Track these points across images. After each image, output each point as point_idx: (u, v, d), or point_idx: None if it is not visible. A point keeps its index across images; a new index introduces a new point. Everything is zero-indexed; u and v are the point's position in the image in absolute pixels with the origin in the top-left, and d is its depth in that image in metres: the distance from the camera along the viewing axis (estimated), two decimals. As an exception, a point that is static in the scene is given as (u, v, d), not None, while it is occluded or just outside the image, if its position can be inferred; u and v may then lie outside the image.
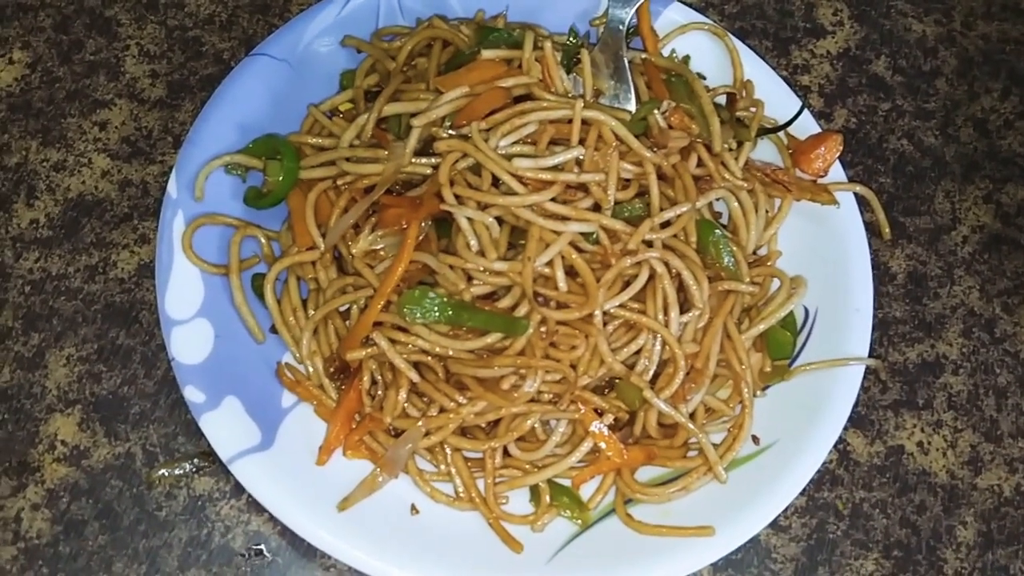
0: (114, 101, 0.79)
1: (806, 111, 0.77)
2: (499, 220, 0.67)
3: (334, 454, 0.67)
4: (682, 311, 0.68)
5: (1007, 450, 0.75)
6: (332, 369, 0.69)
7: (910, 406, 0.76)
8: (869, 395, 0.76)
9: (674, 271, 0.68)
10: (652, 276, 0.67)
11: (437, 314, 0.65)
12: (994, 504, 0.74)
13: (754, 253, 0.75)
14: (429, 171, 0.68)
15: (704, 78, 0.79)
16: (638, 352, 0.67)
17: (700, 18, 0.80)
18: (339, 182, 0.70)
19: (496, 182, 0.67)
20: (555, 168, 0.67)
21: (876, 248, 0.80)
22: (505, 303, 0.66)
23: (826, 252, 0.74)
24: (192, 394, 0.65)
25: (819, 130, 0.77)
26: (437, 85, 0.70)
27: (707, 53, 0.80)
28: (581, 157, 0.68)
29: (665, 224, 0.69)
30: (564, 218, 0.66)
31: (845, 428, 0.75)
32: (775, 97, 0.78)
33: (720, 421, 0.70)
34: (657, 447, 0.68)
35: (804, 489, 0.72)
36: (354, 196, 0.69)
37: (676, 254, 0.68)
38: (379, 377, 0.67)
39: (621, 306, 0.67)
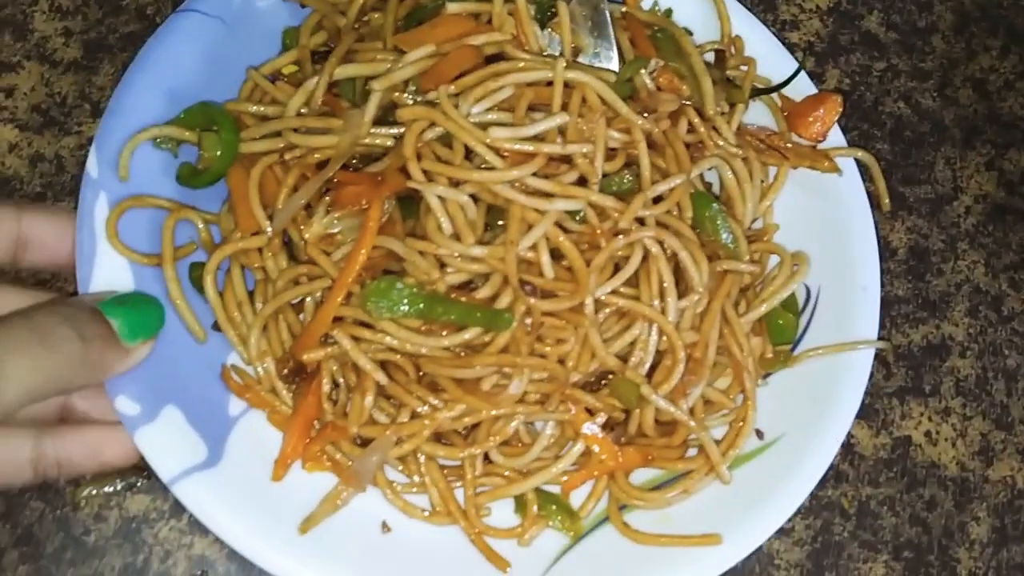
0: (22, 64, 0.69)
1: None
2: (474, 198, 0.59)
3: (292, 468, 0.59)
4: (679, 295, 0.61)
5: (1019, 438, 0.70)
6: (286, 371, 0.60)
7: (916, 393, 0.70)
8: (873, 382, 0.70)
9: (670, 251, 0.60)
10: (646, 258, 0.60)
11: (406, 307, 0.56)
12: (1007, 497, 0.68)
13: (749, 228, 0.68)
14: (391, 143, 0.60)
15: (691, 33, 0.71)
16: (632, 344, 0.60)
17: None
18: (286, 156, 0.61)
19: (469, 155, 0.59)
20: (536, 138, 0.59)
21: (875, 221, 0.74)
22: (484, 293, 0.58)
23: (827, 225, 0.68)
24: (125, 406, 0.56)
25: (815, 90, 0.70)
26: (397, 43, 0.62)
27: (690, 6, 0.72)
28: (564, 125, 0.60)
29: (657, 199, 0.61)
30: (548, 195, 0.58)
31: (849, 419, 0.69)
32: (767, 55, 0.71)
33: (720, 415, 0.64)
34: (654, 447, 0.61)
35: (808, 488, 0.67)
36: (305, 172, 0.60)
37: (671, 232, 0.61)
38: (340, 380, 0.59)
39: (613, 292, 0.59)
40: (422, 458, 0.59)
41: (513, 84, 0.60)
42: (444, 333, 0.58)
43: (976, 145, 0.78)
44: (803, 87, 0.70)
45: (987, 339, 0.72)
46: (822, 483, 0.66)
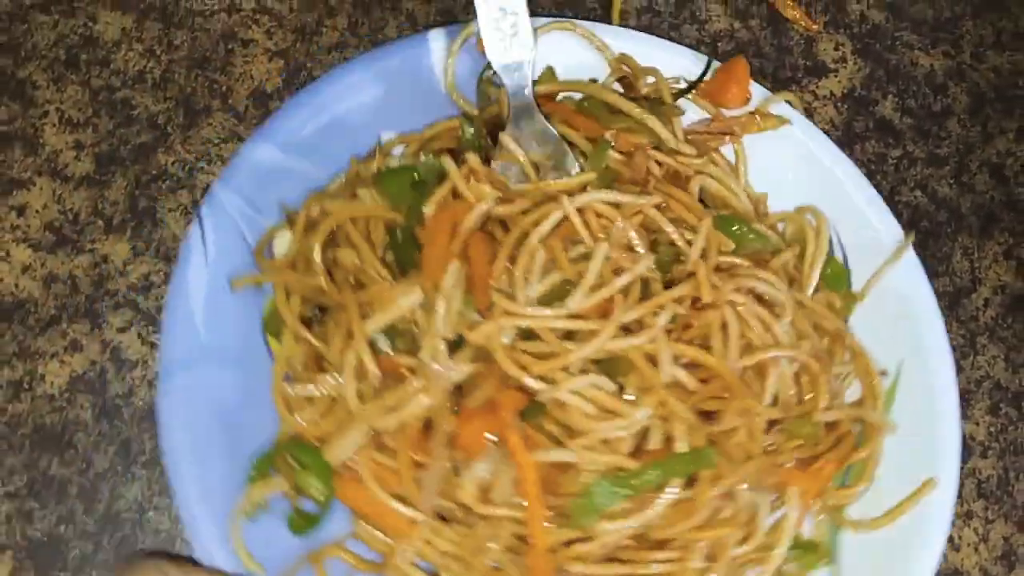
0: (32, 180, 0.69)
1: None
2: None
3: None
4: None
5: (1042, 540, 0.69)
6: None
7: (938, 497, 0.70)
8: (894, 487, 0.69)
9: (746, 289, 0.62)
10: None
11: (617, 498, 0.56)
12: (1030, 602, 0.68)
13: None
14: (470, 369, 0.58)
15: (596, 80, 0.71)
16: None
17: (545, 20, 0.70)
18: (385, 440, 0.58)
19: None
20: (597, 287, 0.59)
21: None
22: (655, 443, 0.58)
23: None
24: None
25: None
26: (421, 284, 0.58)
27: (565, 55, 0.70)
28: (609, 256, 0.59)
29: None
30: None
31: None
32: (668, 61, 0.71)
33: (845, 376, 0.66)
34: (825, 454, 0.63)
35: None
36: (411, 445, 0.57)
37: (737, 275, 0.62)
38: None
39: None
40: None
41: (541, 245, 0.59)
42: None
43: (993, 234, 0.77)
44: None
45: (1008, 438, 0.72)
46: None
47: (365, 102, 0.67)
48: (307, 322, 0.62)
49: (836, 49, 0.81)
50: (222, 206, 0.62)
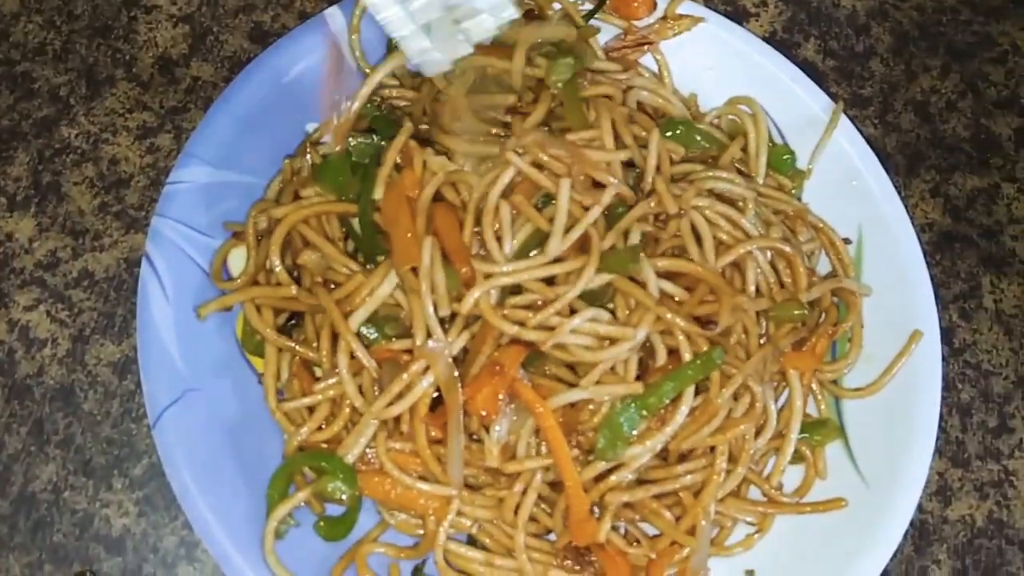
0: (-69, 159, 0.67)
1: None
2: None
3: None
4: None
5: (975, 474, 0.69)
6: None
7: (871, 436, 0.69)
8: (827, 429, 0.69)
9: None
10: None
11: (637, 421, 0.57)
12: (967, 536, 0.68)
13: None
14: (468, 340, 0.58)
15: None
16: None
17: None
18: (402, 427, 0.58)
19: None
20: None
21: (821, 259, 0.73)
22: (662, 359, 0.59)
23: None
24: None
25: None
26: (396, 268, 0.57)
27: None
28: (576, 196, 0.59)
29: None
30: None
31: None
32: None
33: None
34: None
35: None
36: (425, 421, 0.57)
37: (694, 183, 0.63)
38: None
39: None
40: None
41: (505, 201, 0.58)
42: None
43: (920, 172, 0.76)
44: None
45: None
46: (780, 538, 0.66)
47: (280, 98, 0.64)
48: (282, 331, 0.60)
49: (757, -7, 0.80)
50: (166, 237, 0.59)
